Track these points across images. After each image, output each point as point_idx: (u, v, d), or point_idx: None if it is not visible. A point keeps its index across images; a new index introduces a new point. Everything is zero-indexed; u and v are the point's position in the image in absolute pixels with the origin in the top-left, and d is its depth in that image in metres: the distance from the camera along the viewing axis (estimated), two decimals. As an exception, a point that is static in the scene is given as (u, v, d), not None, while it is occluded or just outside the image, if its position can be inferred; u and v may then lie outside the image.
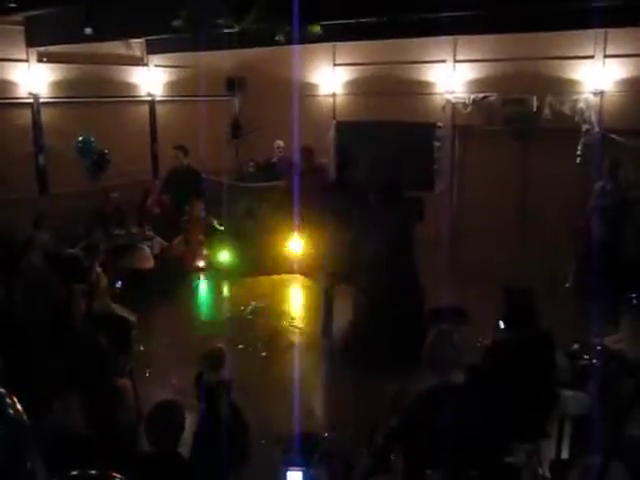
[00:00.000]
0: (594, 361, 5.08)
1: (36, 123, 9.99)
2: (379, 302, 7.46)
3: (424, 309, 7.61)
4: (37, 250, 6.98)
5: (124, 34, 9.46)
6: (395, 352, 6.96)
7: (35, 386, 4.69)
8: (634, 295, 5.69)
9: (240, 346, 7.91)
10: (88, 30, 7.96)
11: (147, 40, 11.24)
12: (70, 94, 10.38)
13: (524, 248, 10.45)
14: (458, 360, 4.07)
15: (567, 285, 9.65)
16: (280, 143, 11.78)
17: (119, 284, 8.22)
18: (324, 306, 8.39)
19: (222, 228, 11.00)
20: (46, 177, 10.08)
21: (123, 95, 11.33)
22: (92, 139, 9.89)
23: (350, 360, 7.48)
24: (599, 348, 5.23)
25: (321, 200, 8.22)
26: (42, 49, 9.82)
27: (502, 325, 5.04)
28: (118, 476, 2.22)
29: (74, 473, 2.21)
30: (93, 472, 2.22)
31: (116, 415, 4.28)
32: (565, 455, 5.03)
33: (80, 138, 9.83)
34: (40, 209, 9.19)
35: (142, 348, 7.47)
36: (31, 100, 9.90)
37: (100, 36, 8.39)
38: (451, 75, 11.10)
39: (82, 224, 9.23)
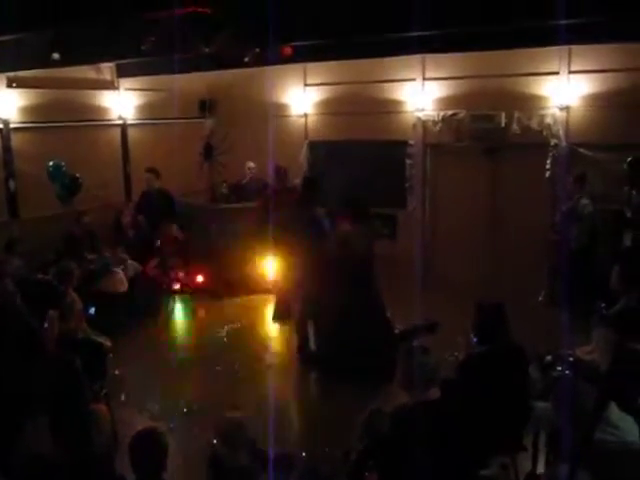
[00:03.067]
0: (566, 372, 5.14)
1: (6, 148, 9.92)
2: (346, 320, 7.58)
3: (391, 325, 7.74)
4: (9, 275, 6.91)
5: (92, 58, 9.44)
6: (366, 370, 7.05)
7: (7, 412, 4.65)
8: (603, 305, 5.79)
9: (217, 367, 7.93)
10: (55, 55, 7.93)
11: (117, 64, 11.23)
12: (41, 119, 10.32)
13: (496, 262, 10.57)
14: (432, 377, 4.11)
15: (540, 298, 9.77)
16: (251, 164, 11.81)
17: (92, 311, 8.19)
18: (298, 325, 8.42)
19: (196, 250, 10.98)
20: (16, 202, 10.01)
21: (94, 119, 11.29)
22: (63, 163, 9.84)
23: (324, 379, 7.53)
24: (571, 359, 5.30)
25: (289, 219, 8.32)
26: (11, 74, 9.77)
27: (475, 339, 5.09)
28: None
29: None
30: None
31: (91, 440, 4.25)
32: (541, 467, 5.08)
33: (51, 163, 9.78)
34: (11, 234, 9.14)
35: (117, 372, 7.43)
36: (1, 126, 9.84)
37: (68, 61, 8.36)
38: (420, 93, 11.22)
39: (53, 249, 9.17)
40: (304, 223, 8.04)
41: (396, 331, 7.77)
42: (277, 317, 9.55)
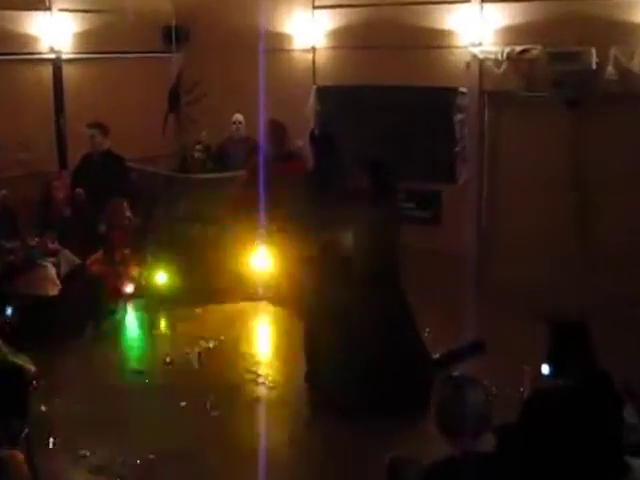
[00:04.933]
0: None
1: None
2: (359, 336, 7.62)
3: (423, 345, 7.78)
4: None
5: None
6: (390, 405, 7.12)
7: None
8: None
9: (183, 403, 7.91)
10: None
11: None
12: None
13: (580, 260, 10.52)
14: (484, 420, 4.09)
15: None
16: (239, 117, 11.80)
17: (9, 312, 8.20)
18: (305, 343, 8.39)
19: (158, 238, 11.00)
20: None
21: (14, 52, 11.28)
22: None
23: (334, 419, 7.56)
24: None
25: (295, 198, 8.29)
26: None
27: (546, 370, 5.07)
28: None
29: None
30: None
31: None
32: None
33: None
34: None
35: (43, 408, 7.46)
36: None
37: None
38: (477, 20, 11.17)
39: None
40: (316, 200, 8.01)
41: (434, 355, 7.79)
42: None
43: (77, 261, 10.20)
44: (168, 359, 9.03)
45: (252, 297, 10.62)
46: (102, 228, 10.69)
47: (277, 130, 10.34)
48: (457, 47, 11.41)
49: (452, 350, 7.86)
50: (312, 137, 9.78)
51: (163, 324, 10.30)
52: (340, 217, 7.90)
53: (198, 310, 10.46)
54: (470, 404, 4.05)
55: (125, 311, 10.54)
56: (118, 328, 10.19)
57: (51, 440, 7.06)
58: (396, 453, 4.48)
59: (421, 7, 11.53)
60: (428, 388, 6.91)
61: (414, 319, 7.88)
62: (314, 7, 12.34)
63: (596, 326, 5.19)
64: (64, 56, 11.83)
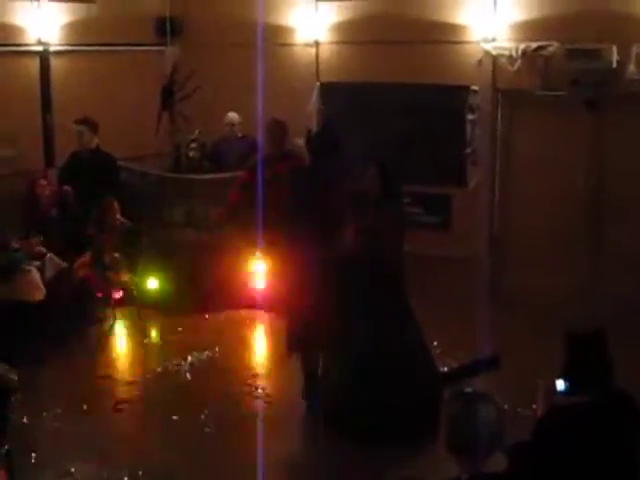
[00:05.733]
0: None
1: None
2: (360, 350, 7.63)
3: (431, 358, 7.78)
4: None
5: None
6: (393, 426, 7.09)
7: None
8: None
9: (174, 417, 7.91)
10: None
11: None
12: None
13: (599, 267, 10.51)
14: (495, 439, 4.07)
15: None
16: (233, 118, 11.80)
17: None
18: (305, 357, 8.37)
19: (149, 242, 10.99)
20: None
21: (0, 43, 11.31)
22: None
23: (337, 438, 7.54)
24: None
25: (290, 200, 8.29)
26: None
27: (562, 385, 5.05)
28: None
29: None
30: None
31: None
32: None
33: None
34: None
35: (26, 420, 7.47)
36: None
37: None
38: (490, 14, 11.17)
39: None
40: (315, 203, 7.99)
41: (442, 369, 7.78)
42: (293, 347, 9.35)
43: (63, 265, 10.18)
44: (159, 370, 9.03)
45: (248, 305, 10.61)
46: (91, 230, 10.64)
47: (277, 129, 10.30)
48: (469, 43, 11.42)
49: (464, 364, 7.85)
50: (308, 137, 9.76)
51: (154, 333, 10.31)
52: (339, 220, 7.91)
53: (191, 318, 10.46)
54: (481, 421, 4.03)
55: (114, 319, 10.51)
56: (106, 336, 10.19)
57: (33, 456, 7.03)
58: (401, 476, 4.45)
59: (431, 0, 11.53)
60: (435, 404, 6.89)
61: (420, 331, 7.86)
62: (317, -1, 12.37)
63: (613, 336, 5.16)
64: (52, 48, 11.83)
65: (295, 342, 8.48)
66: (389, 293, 7.77)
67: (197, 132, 11.98)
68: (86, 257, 10.59)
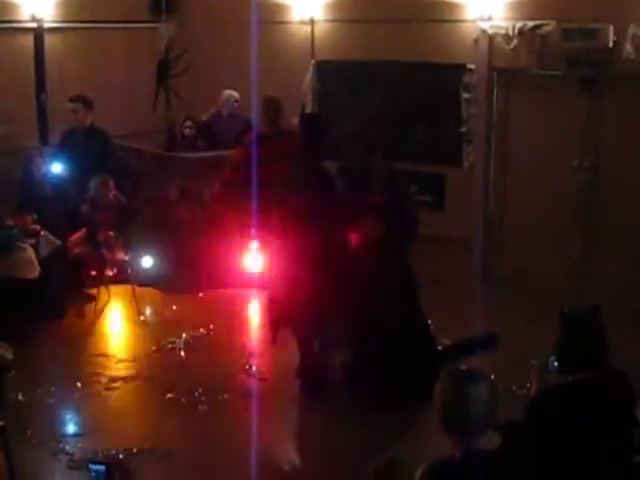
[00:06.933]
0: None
1: None
2: (361, 326, 7.73)
3: (431, 336, 7.81)
4: None
5: None
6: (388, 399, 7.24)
7: None
8: None
9: (169, 395, 7.93)
10: None
11: None
12: None
13: (594, 249, 10.53)
14: (488, 416, 4.09)
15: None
16: (232, 95, 11.77)
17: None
18: (300, 336, 8.39)
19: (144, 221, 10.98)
20: None
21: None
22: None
23: (330, 414, 7.62)
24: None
25: (285, 180, 8.29)
26: None
27: (555, 364, 5.06)
28: None
29: None
30: None
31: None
32: None
33: None
34: None
35: (21, 398, 7.50)
36: None
37: None
38: (487, -7, 11.14)
39: None
40: (306, 184, 8.00)
41: (438, 347, 7.80)
42: (276, 326, 9.38)
43: (58, 243, 10.17)
44: (154, 348, 9.05)
45: (243, 284, 10.61)
46: (85, 208, 10.64)
47: (272, 107, 10.26)
48: (465, 21, 11.37)
49: (460, 342, 7.85)
50: (301, 117, 9.76)
51: (149, 311, 10.29)
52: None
53: (186, 296, 10.46)
54: (473, 399, 4.05)
55: (108, 297, 10.53)
56: (101, 314, 10.19)
57: (28, 432, 7.06)
58: (380, 461, 4.45)
59: (428, -23, 11.51)
60: (430, 379, 6.92)
61: (422, 308, 7.89)
62: (313, -25, 12.32)
63: (607, 315, 5.17)
64: (46, 25, 11.79)
65: (282, 321, 8.57)
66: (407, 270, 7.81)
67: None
68: (80, 234, 10.60)
